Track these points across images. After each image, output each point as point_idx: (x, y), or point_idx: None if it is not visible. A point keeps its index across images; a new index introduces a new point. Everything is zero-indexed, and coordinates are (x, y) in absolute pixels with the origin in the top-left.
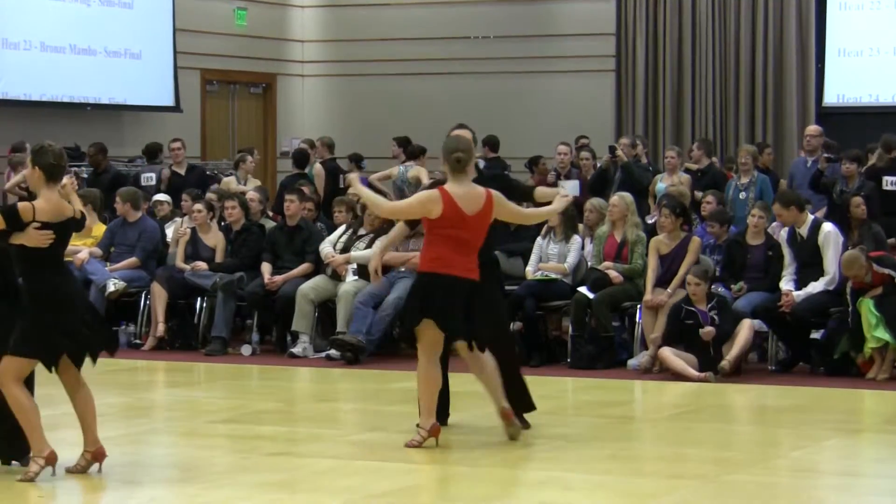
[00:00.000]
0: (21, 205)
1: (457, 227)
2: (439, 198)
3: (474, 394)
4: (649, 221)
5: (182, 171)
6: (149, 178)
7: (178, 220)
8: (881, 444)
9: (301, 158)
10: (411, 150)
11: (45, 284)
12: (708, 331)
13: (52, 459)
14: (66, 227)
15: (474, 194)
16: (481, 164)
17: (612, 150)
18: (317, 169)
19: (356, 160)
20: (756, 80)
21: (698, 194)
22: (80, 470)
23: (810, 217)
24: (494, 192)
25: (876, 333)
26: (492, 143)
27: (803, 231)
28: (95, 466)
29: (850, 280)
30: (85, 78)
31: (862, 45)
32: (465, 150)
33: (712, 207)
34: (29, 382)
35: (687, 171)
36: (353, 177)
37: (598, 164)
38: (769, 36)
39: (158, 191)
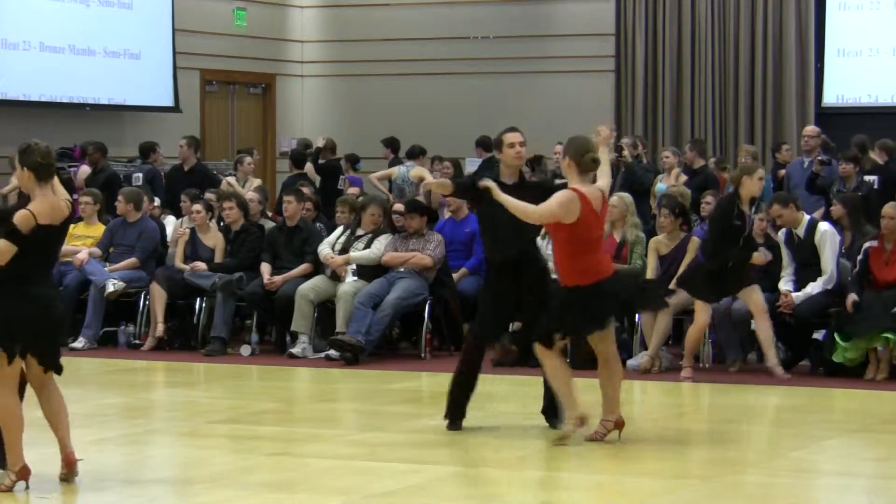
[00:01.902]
0: (20, 215)
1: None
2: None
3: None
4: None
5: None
6: (137, 178)
7: (169, 216)
8: (881, 444)
9: (299, 158)
10: (411, 151)
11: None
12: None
13: (23, 475)
14: (65, 229)
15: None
16: (475, 163)
17: (619, 149)
18: (308, 168)
19: (352, 161)
20: (755, 81)
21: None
22: (65, 478)
23: (806, 217)
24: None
25: (884, 334)
26: (485, 143)
27: (800, 231)
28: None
29: (880, 234)
30: (84, 78)
31: (861, 45)
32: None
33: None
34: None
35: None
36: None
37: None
38: (769, 36)
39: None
